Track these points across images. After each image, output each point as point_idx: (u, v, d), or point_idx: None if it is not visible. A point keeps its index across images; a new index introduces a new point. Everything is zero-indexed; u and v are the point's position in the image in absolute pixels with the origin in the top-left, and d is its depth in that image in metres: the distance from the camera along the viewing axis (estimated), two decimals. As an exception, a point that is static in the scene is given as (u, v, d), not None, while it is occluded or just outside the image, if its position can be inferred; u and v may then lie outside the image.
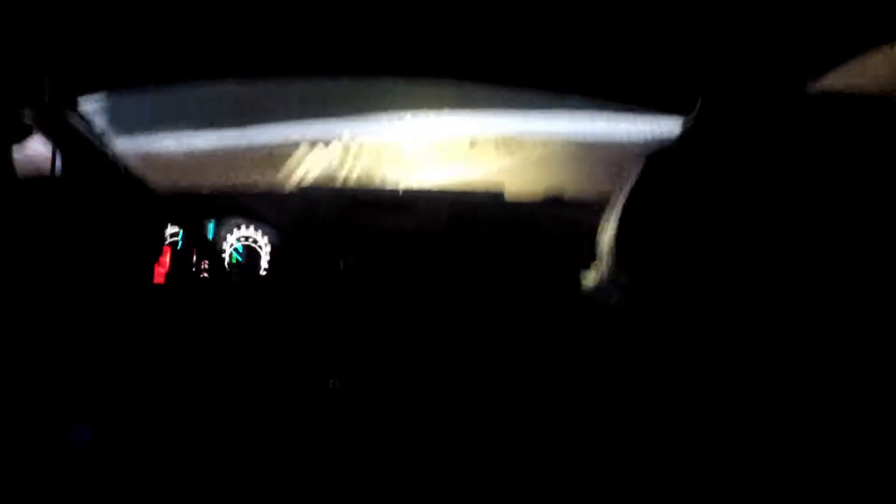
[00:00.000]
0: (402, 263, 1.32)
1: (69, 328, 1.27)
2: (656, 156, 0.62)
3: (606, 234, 0.65)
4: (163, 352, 1.27)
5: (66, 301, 1.28)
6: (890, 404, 0.54)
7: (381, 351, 1.27)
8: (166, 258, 1.34)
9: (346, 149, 1.72)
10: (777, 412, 0.58)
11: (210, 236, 1.36)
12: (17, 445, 1.10)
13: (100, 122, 1.31)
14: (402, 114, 1.66)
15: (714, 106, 1.03)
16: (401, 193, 1.39)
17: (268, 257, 1.36)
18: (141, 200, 1.40)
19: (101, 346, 1.27)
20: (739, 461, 0.67)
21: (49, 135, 1.23)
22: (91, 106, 1.28)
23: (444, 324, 1.28)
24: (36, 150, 1.25)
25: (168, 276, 1.33)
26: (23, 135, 1.10)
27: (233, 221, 1.37)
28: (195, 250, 1.35)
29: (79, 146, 1.29)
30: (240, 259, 1.36)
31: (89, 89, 1.24)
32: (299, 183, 1.43)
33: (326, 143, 1.74)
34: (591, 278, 0.68)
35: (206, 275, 1.34)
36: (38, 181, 1.28)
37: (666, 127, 1.22)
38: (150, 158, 1.57)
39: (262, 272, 1.36)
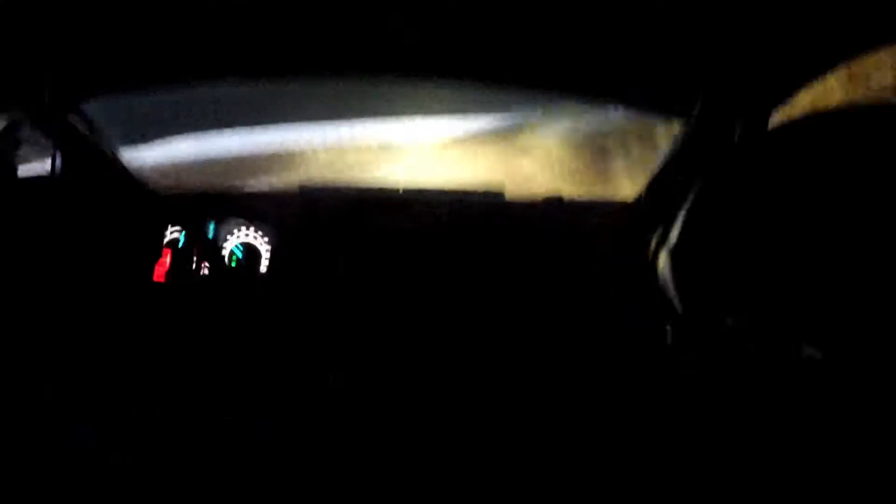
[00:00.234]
0: (401, 263, 1.32)
1: (69, 328, 1.27)
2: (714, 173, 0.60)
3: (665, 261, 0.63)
4: (163, 352, 1.27)
5: (66, 301, 1.28)
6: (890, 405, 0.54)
7: (381, 351, 1.27)
8: (166, 258, 1.34)
9: (346, 149, 1.72)
10: (787, 415, 0.58)
11: (210, 236, 1.36)
12: (18, 445, 1.10)
13: (100, 123, 1.31)
14: (402, 114, 1.66)
15: (715, 105, 1.03)
16: (401, 193, 1.39)
17: (268, 257, 1.36)
18: (141, 200, 1.40)
19: (102, 346, 1.27)
20: (740, 461, 0.67)
21: (49, 135, 1.23)
22: (91, 107, 1.28)
23: (443, 323, 1.28)
24: (36, 150, 1.25)
25: (168, 275, 1.33)
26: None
27: (233, 221, 1.37)
28: (195, 250, 1.35)
29: (79, 146, 1.29)
30: (240, 259, 1.36)
31: (90, 91, 1.24)
32: (299, 183, 1.43)
33: (326, 144, 1.74)
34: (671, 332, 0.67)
35: (206, 274, 1.34)
36: (38, 181, 1.28)
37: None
38: (150, 159, 1.57)
39: (262, 272, 1.36)
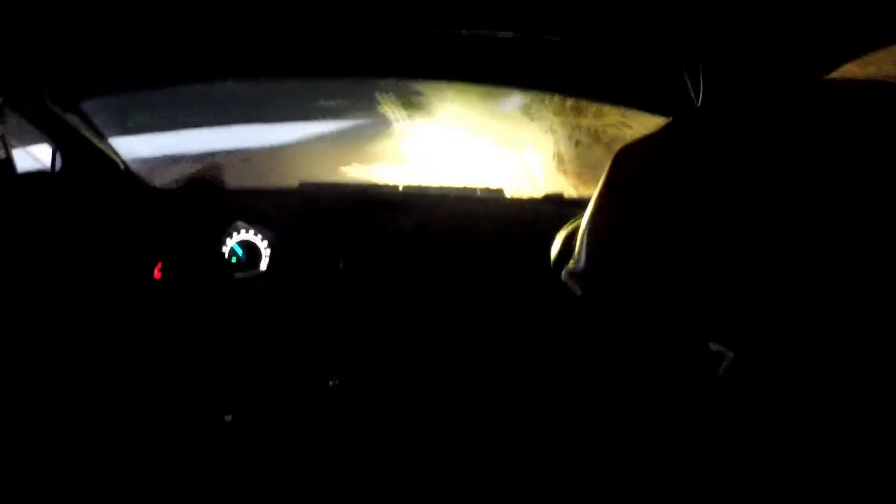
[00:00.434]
0: (401, 262, 1.32)
1: (69, 327, 1.27)
2: (628, 150, 0.61)
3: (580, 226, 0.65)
4: (163, 352, 1.27)
5: (65, 300, 1.28)
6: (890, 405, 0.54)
7: (381, 350, 1.27)
8: (166, 256, 1.34)
9: (346, 149, 1.72)
10: (781, 414, 0.58)
11: (210, 234, 1.36)
12: (18, 445, 1.10)
13: (99, 121, 1.31)
14: (401, 114, 1.66)
15: (715, 104, 1.03)
16: (401, 192, 1.39)
17: (268, 255, 1.36)
18: (141, 200, 1.40)
19: (102, 346, 1.27)
20: (740, 462, 0.67)
21: (49, 135, 1.23)
22: (91, 105, 1.28)
23: (443, 322, 1.28)
24: (36, 149, 1.25)
25: (168, 273, 1.33)
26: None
27: (233, 219, 1.37)
28: (195, 249, 1.34)
29: (79, 145, 1.28)
30: (240, 257, 1.36)
31: (89, 89, 1.23)
32: (299, 181, 1.43)
33: (326, 144, 1.74)
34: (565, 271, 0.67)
35: (206, 273, 1.34)
36: (39, 181, 1.28)
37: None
38: (149, 158, 1.56)
39: (262, 270, 1.36)
